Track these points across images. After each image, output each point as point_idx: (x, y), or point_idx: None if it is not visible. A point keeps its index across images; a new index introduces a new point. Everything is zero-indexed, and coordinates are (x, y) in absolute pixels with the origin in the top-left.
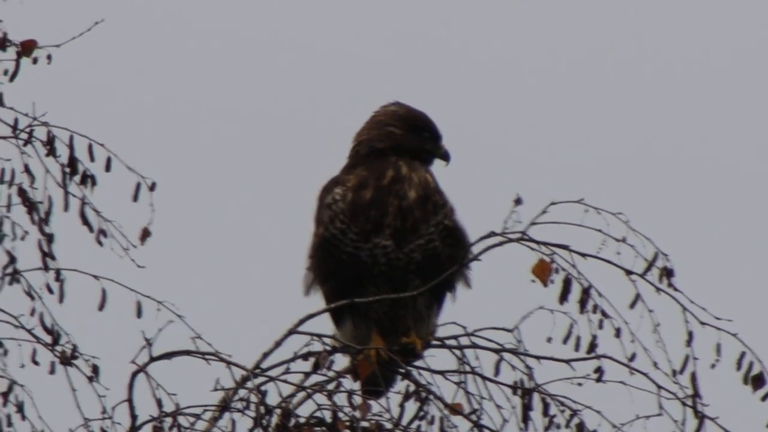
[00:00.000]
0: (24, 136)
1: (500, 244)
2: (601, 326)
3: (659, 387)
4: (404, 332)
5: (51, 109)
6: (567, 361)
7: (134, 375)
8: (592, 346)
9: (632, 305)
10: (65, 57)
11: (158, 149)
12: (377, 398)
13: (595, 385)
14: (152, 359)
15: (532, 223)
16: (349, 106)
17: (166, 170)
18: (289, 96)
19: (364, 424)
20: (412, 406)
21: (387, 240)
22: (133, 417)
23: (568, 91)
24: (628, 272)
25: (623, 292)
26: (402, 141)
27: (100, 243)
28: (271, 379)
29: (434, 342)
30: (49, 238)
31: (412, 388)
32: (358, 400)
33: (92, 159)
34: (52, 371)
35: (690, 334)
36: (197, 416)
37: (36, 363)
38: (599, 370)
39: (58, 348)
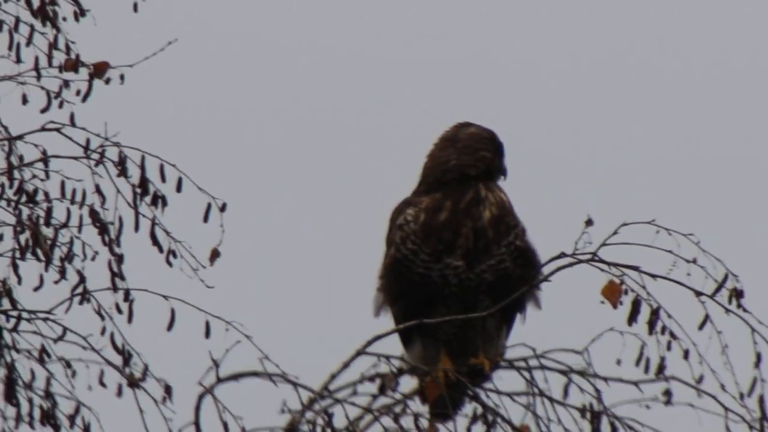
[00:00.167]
0: (96, 156)
1: (570, 265)
2: (669, 348)
3: (727, 409)
4: (473, 353)
5: (123, 129)
6: (635, 383)
7: (201, 397)
8: (661, 368)
9: (701, 326)
10: (138, 77)
11: (230, 170)
12: (444, 421)
13: (663, 408)
14: (219, 381)
15: (603, 244)
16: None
17: (236, 190)
18: (354, 112)
19: None
20: (479, 429)
21: (458, 260)
22: None
23: (634, 106)
24: (698, 293)
25: (692, 313)
26: (491, 164)
27: (169, 263)
28: (338, 401)
29: (502, 363)
30: (119, 258)
31: (480, 410)
32: (424, 423)
33: (163, 179)
34: (119, 393)
35: (758, 356)
36: None
37: (103, 385)
38: (668, 393)
39: (127, 369)
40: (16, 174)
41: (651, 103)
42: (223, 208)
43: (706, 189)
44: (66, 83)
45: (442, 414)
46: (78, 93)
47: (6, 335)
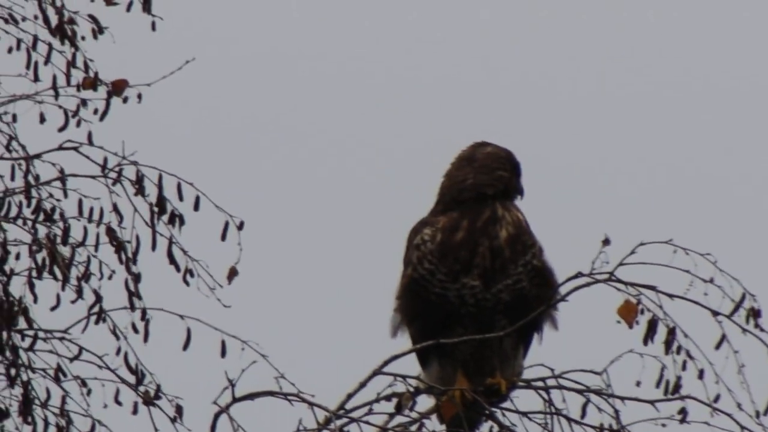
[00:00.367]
0: (113, 175)
1: (587, 284)
2: (684, 367)
3: (743, 428)
4: (490, 373)
5: (140, 148)
6: (651, 402)
7: (217, 416)
8: (677, 387)
9: (717, 346)
10: (155, 95)
11: (247, 188)
12: None
13: (679, 426)
14: (235, 400)
15: (620, 264)
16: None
17: (254, 209)
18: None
19: None
20: None
21: (475, 280)
22: None
23: (652, 125)
24: (715, 313)
25: (709, 332)
26: (508, 183)
27: (186, 282)
28: (354, 420)
29: (520, 383)
30: (136, 277)
31: (496, 429)
32: None
33: (181, 198)
34: (135, 411)
35: None
36: None
37: (119, 403)
38: (683, 411)
39: (142, 388)
40: (34, 193)
41: (669, 122)
42: (240, 227)
43: (724, 208)
44: (84, 102)
45: None
46: (96, 112)
47: (22, 354)
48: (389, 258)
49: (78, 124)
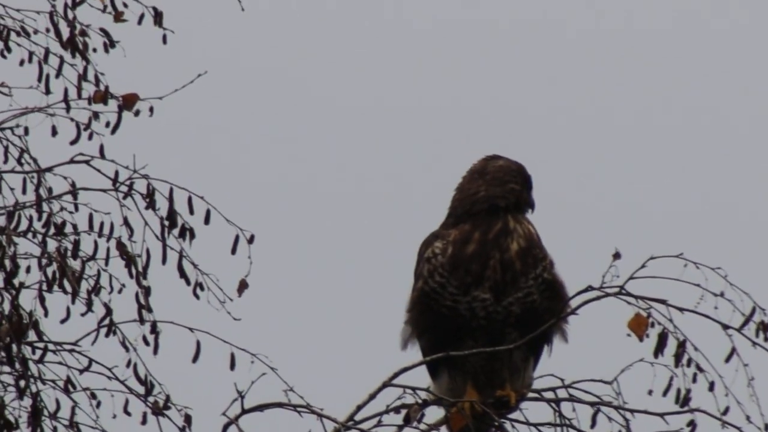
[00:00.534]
0: (124, 188)
1: (598, 298)
2: (695, 380)
3: None
4: (500, 385)
5: (151, 161)
6: (661, 415)
7: (226, 427)
8: (686, 400)
9: (727, 359)
10: (167, 108)
11: (258, 202)
12: None
13: None
14: (244, 411)
15: (630, 278)
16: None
17: (264, 223)
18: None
19: None
20: None
21: (486, 293)
22: None
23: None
24: (725, 326)
25: (719, 346)
26: (520, 197)
27: (196, 296)
28: (363, 431)
29: (530, 394)
30: (146, 290)
31: None
32: None
33: (191, 212)
34: (144, 422)
35: None
36: None
37: (128, 413)
38: (692, 424)
39: (151, 399)
40: (45, 206)
41: (680, 136)
42: (251, 240)
43: (735, 223)
44: (96, 115)
45: None
46: (107, 125)
47: (32, 366)
48: (400, 271)
49: (90, 137)
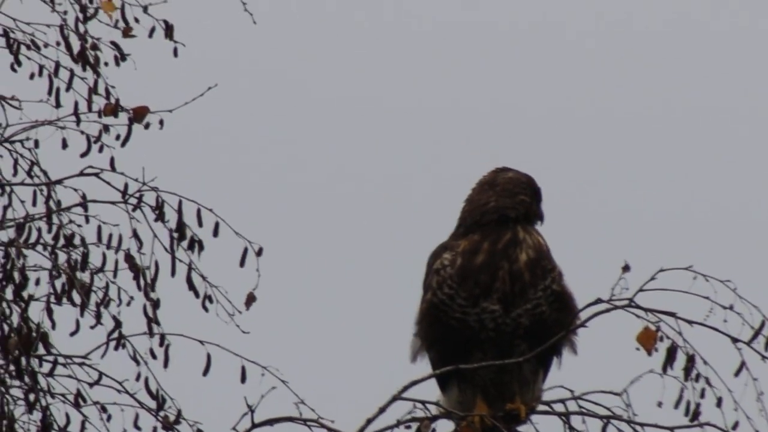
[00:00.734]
0: (133, 201)
1: (607, 310)
2: (703, 395)
3: None
4: (510, 398)
5: (161, 174)
6: (671, 429)
7: None
8: (696, 414)
9: (737, 373)
10: (177, 121)
11: (267, 214)
12: None
13: None
14: (254, 425)
15: (640, 290)
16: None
17: (273, 235)
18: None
19: None
20: None
21: (495, 304)
22: None
23: (660, 138)
24: (735, 340)
25: (729, 358)
26: (529, 209)
27: (205, 308)
28: None
29: (540, 407)
30: (155, 303)
31: None
32: None
33: (200, 224)
34: None
35: None
36: None
37: (138, 428)
38: None
39: (161, 413)
40: (55, 219)
41: (690, 148)
42: (259, 253)
43: (744, 235)
44: (106, 128)
45: None
46: (118, 137)
47: (41, 380)
48: (410, 283)
49: (100, 149)
